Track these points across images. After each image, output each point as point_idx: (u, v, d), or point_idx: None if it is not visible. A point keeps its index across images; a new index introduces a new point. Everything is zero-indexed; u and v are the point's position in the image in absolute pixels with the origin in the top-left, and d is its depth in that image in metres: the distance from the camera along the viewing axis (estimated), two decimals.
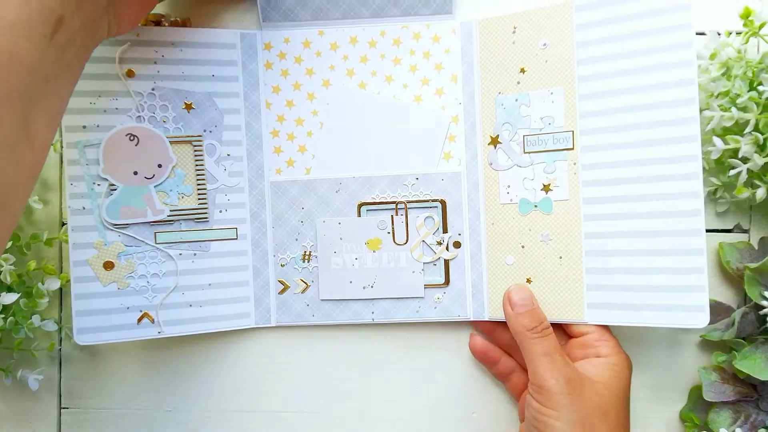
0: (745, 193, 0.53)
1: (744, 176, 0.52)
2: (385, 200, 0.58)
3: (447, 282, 0.58)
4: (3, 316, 0.54)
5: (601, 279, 0.54)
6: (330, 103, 0.58)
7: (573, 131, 0.54)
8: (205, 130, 0.57)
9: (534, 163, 0.56)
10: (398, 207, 0.58)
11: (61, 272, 0.59)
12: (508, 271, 0.57)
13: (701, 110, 0.52)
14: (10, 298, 0.53)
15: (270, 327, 0.59)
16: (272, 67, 0.58)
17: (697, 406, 0.56)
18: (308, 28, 0.58)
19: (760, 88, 0.51)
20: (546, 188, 0.55)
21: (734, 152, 0.52)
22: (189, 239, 0.57)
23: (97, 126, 0.55)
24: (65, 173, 0.55)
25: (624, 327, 0.54)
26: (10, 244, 0.55)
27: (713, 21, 0.56)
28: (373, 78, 0.58)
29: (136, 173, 0.55)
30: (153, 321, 0.56)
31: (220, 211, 0.57)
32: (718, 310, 0.56)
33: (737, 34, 0.53)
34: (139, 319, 0.56)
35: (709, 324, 0.55)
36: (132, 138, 0.55)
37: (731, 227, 0.57)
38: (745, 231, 0.57)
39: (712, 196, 0.57)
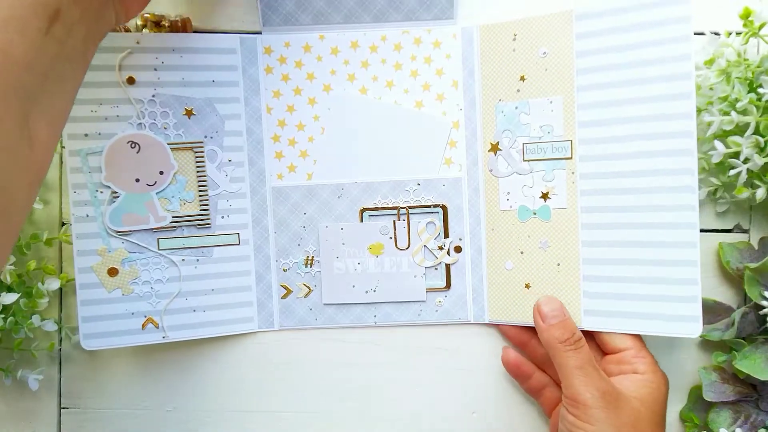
0: (745, 193, 0.53)
1: (744, 176, 0.52)
2: (387, 206, 0.58)
3: (448, 286, 0.59)
4: (3, 316, 0.54)
5: (597, 287, 0.54)
6: (331, 108, 0.58)
7: (572, 140, 0.54)
8: (206, 136, 0.57)
9: (533, 171, 0.56)
10: (400, 212, 0.58)
11: (61, 272, 0.59)
12: (507, 276, 0.57)
13: (699, 111, 0.52)
14: (10, 298, 0.53)
15: (273, 329, 0.59)
16: (273, 72, 0.58)
17: (697, 406, 0.56)
18: (309, 33, 0.58)
19: (761, 90, 0.51)
20: (545, 196, 0.56)
21: (735, 152, 0.52)
22: (191, 245, 0.57)
23: (99, 134, 0.55)
24: (68, 181, 0.55)
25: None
26: None
27: (713, 21, 0.56)
28: (375, 83, 0.58)
29: (138, 180, 0.55)
30: (157, 326, 0.57)
31: (222, 217, 0.58)
32: (718, 310, 0.56)
33: (737, 34, 0.53)
34: (144, 325, 0.57)
35: (709, 324, 0.56)
36: (133, 145, 0.55)
37: (731, 227, 0.58)
38: (745, 231, 0.58)
39: (712, 196, 0.57)
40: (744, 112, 0.51)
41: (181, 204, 0.57)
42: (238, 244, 0.58)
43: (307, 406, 0.60)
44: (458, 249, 0.58)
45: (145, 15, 0.56)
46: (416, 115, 0.58)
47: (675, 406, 0.58)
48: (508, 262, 0.57)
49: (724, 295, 0.57)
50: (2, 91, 0.35)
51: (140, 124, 0.55)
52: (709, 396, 0.54)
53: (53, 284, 0.56)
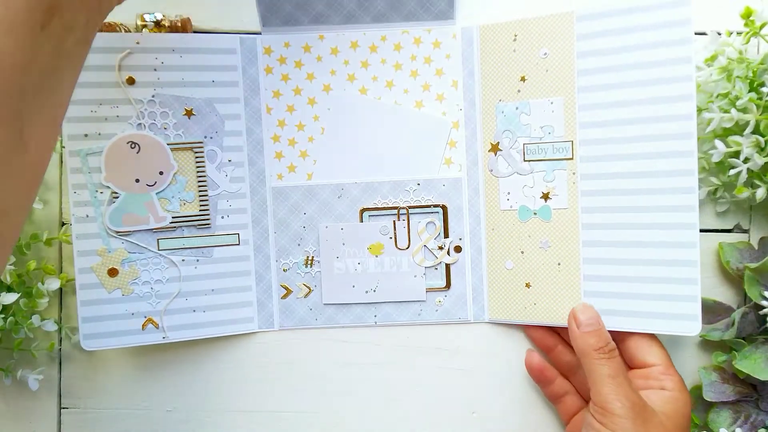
0: (745, 193, 0.54)
1: (744, 176, 0.52)
2: (387, 206, 0.58)
3: (448, 285, 0.59)
4: (3, 316, 0.54)
5: (598, 286, 0.54)
6: (331, 109, 0.58)
7: (572, 141, 0.54)
8: (206, 137, 0.57)
9: (534, 172, 0.56)
10: (400, 212, 0.58)
11: (61, 272, 0.59)
12: (507, 275, 0.57)
13: (700, 110, 0.52)
14: (10, 298, 0.53)
15: (273, 329, 0.59)
16: (273, 72, 0.58)
17: (697, 406, 0.56)
18: (309, 33, 0.57)
19: (763, 89, 0.51)
20: (545, 196, 0.56)
21: (734, 152, 0.52)
22: (191, 245, 0.57)
23: (99, 134, 0.55)
24: (68, 182, 0.55)
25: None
26: None
27: (714, 21, 0.56)
28: (374, 83, 0.58)
29: (137, 181, 0.55)
30: (157, 326, 0.57)
31: (222, 217, 0.58)
32: (718, 310, 0.56)
33: (737, 34, 0.53)
34: (144, 325, 0.57)
35: (709, 324, 0.56)
36: (133, 146, 0.55)
37: (731, 227, 0.58)
38: (745, 231, 0.58)
39: (712, 196, 0.57)
40: (744, 110, 0.51)
41: (181, 204, 0.57)
42: (238, 245, 0.58)
43: (307, 406, 0.60)
44: (458, 249, 0.58)
45: (145, 16, 0.56)
46: (416, 115, 0.58)
47: None
48: (509, 261, 0.57)
49: (724, 295, 0.57)
50: None
51: (140, 124, 0.55)
52: (709, 396, 0.54)
53: (53, 284, 0.56)
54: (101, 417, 0.60)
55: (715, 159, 0.52)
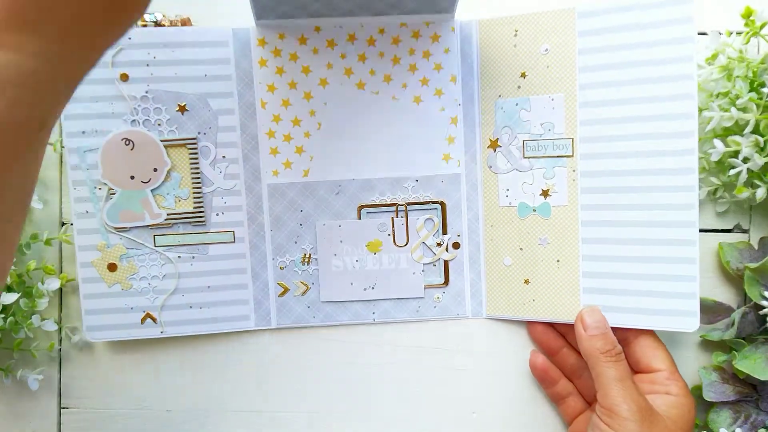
0: (745, 193, 0.53)
1: (744, 176, 0.52)
2: (385, 202, 0.58)
3: (446, 282, 0.58)
4: (3, 316, 0.54)
5: (597, 283, 0.54)
6: (328, 103, 0.57)
7: (573, 138, 0.54)
8: (199, 133, 0.56)
9: (533, 168, 0.56)
10: (398, 209, 0.58)
11: (61, 272, 0.59)
12: (506, 271, 0.57)
13: (701, 110, 0.52)
14: (10, 298, 0.53)
15: (270, 327, 0.59)
16: (267, 65, 0.57)
17: (697, 406, 0.56)
18: (304, 24, 0.56)
19: (763, 89, 0.50)
20: (545, 193, 0.55)
21: (734, 152, 0.52)
22: (187, 242, 0.57)
23: (96, 131, 0.55)
24: (69, 177, 0.55)
25: None
26: None
27: (714, 21, 0.55)
28: (372, 77, 0.57)
29: (132, 178, 0.55)
30: (156, 321, 0.57)
31: (217, 215, 0.57)
32: (718, 310, 0.56)
33: (738, 34, 0.53)
34: (143, 320, 0.57)
35: (709, 324, 0.56)
36: (127, 142, 0.55)
37: (731, 227, 0.57)
38: (745, 231, 0.57)
39: (712, 196, 0.57)
40: (744, 109, 0.51)
41: (176, 201, 0.56)
42: (233, 242, 0.57)
43: (307, 406, 0.60)
44: (456, 245, 0.58)
45: (145, 16, 0.55)
46: (414, 110, 0.57)
47: None
48: (507, 258, 0.57)
49: (724, 295, 0.57)
50: None
51: (134, 120, 0.55)
52: (709, 396, 0.54)
53: (53, 284, 0.56)
54: (101, 417, 0.60)
55: (714, 158, 0.52)
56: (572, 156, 0.54)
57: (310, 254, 0.58)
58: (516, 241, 0.57)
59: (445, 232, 0.58)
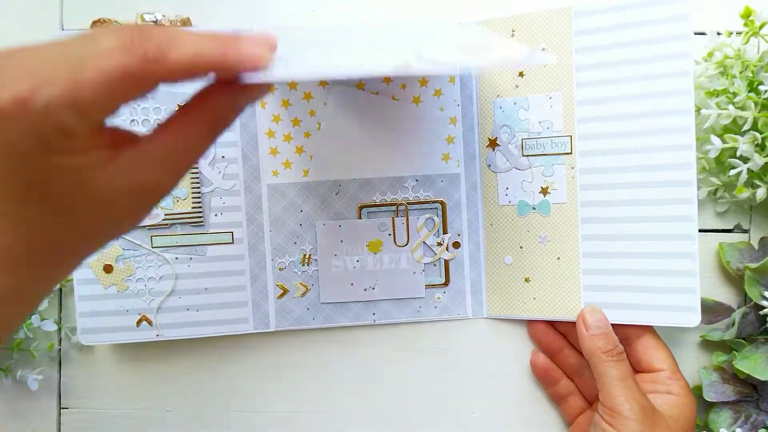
0: (745, 193, 0.53)
1: (744, 176, 0.52)
2: (385, 202, 0.57)
3: (447, 282, 0.58)
4: None
5: (597, 279, 0.54)
6: (327, 103, 0.57)
7: (571, 136, 0.54)
8: None
9: (532, 167, 0.56)
10: (399, 209, 0.57)
11: None
12: (506, 270, 0.57)
13: (698, 108, 0.52)
14: None
15: (269, 330, 0.59)
16: None
17: (698, 407, 0.56)
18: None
19: (761, 87, 0.50)
20: (544, 191, 0.56)
21: (734, 151, 0.52)
22: (184, 243, 0.57)
23: None
24: None
25: None
26: None
27: (714, 21, 0.55)
28: (372, 78, 0.57)
29: None
30: (151, 324, 0.56)
31: (216, 215, 0.57)
32: (718, 310, 0.56)
33: (737, 34, 0.53)
34: (138, 322, 0.56)
35: (709, 324, 0.55)
36: None
37: (731, 227, 0.57)
38: (745, 231, 0.57)
39: (712, 196, 0.57)
40: (742, 107, 0.51)
41: (174, 201, 0.56)
42: (232, 243, 0.57)
43: (307, 406, 0.60)
44: (457, 245, 0.58)
45: (145, 16, 0.55)
46: (414, 110, 0.57)
47: None
48: (507, 256, 0.57)
49: (724, 295, 0.57)
50: None
51: (133, 120, 0.55)
52: (709, 396, 0.54)
53: None
54: (101, 417, 0.60)
55: (713, 155, 0.52)
56: (571, 153, 0.54)
57: (309, 255, 0.58)
58: (516, 240, 0.57)
59: (445, 232, 0.58)
